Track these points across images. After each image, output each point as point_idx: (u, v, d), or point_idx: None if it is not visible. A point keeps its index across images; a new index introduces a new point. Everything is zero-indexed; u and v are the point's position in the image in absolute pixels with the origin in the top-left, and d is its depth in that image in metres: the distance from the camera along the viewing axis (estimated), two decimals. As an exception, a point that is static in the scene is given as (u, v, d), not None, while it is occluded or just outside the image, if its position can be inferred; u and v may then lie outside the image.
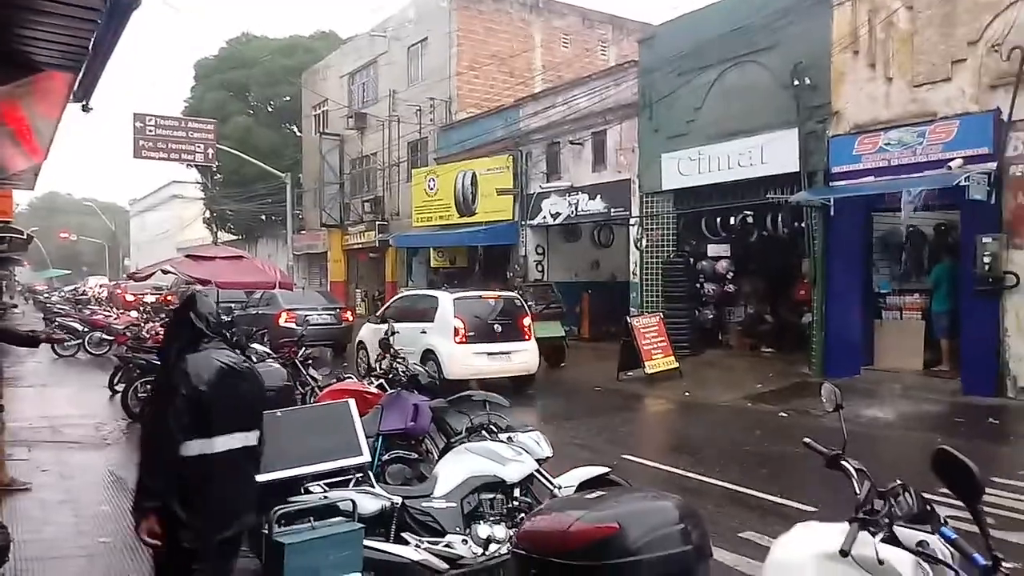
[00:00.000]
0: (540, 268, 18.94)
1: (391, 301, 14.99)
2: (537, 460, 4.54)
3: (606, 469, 4.55)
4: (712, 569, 4.52)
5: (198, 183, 40.26)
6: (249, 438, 3.24)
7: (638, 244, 15.72)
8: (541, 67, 23.29)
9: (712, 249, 15.02)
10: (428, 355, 11.39)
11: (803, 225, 12.64)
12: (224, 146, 26.62)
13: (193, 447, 3.05)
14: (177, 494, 3.04)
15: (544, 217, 18.43)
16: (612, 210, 16.55)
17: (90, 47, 4.99)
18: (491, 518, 4.19)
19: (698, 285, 14.97)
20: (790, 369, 12.48)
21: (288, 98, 35.24)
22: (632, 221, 15.99)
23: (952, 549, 2.13)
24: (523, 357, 12.06)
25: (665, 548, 2.31)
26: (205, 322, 3.28)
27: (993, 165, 9.89)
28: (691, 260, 15.02)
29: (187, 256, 13.75)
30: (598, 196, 16.85)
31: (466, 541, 4.01)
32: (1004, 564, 2.04)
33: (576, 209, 17.47)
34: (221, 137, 27.05)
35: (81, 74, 5.45)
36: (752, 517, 5.70)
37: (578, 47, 23.85)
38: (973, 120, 10.22)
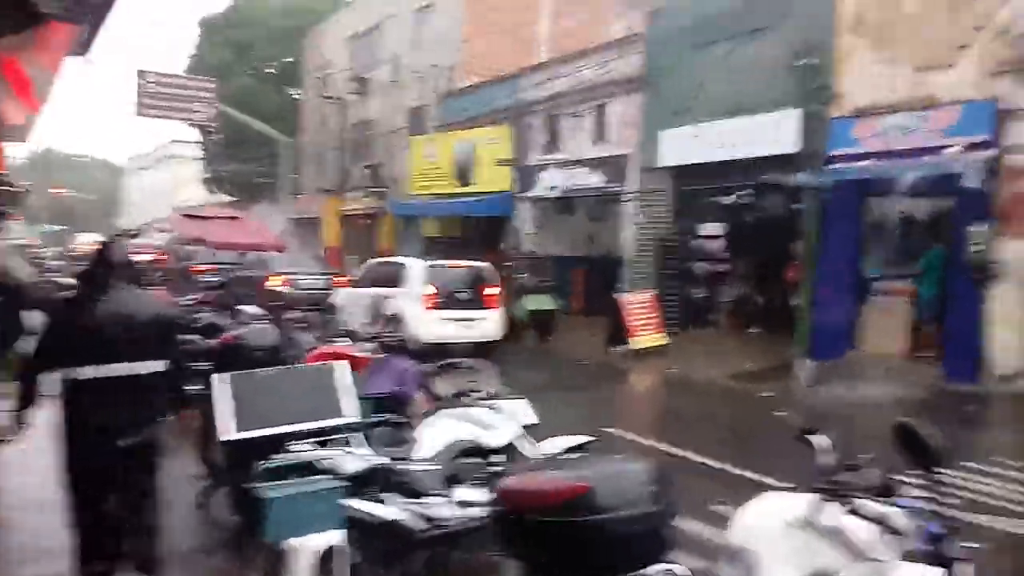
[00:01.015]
0: (535, 241, 18.94)
1: (365, 267, 15.15)
2: (521, 427, 4.62)
3: (589, 438, 4.62)
4: (683, 539, 4.64)
5: (198, 143, 39.98)
6: (135, 368, 3.66)
7: (635, 220, 15.73)
8: (548, 36, 23.04)
9: (706, 228, 15.06)
10: (397, 319, 11.69)
11: (797, 207, 12.67)
12: (226, 106, 26.42)
13: (69, 373, 3.56)
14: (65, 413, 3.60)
15: (541, 189, 18.40)
16: (609, 185, 16.51)
17: (92, -3, 4.95)
18: (472, 482, 4.27)
19: (691, 263, 15.02)
20: (777, 349, 12.56)
21: (291, 59, 34.88)
22: (629, 197, 15.98)
23: (910, 520, 2.21)
24: (488, 325, 12.76)
25: (635, 507, 2.40)
26: (109, 268, 3.72)
27: (991, 153, 9.90)
28: (685, 238, 15.05)
29: (183, 215, 13.75)
30: (597, 170, 16.81)
31: (446, 503, 4.09)
32: (958, 534, 2.12)
33: (574, 182, 17.44)
34: (223, 97, 26.83)
35: (83, 25, 5.42)
36: (727, 491, 5.81)
37: (586, 17, 23.56)
38: (974, 107, 10.21)
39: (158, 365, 3.75)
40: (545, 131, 18.47)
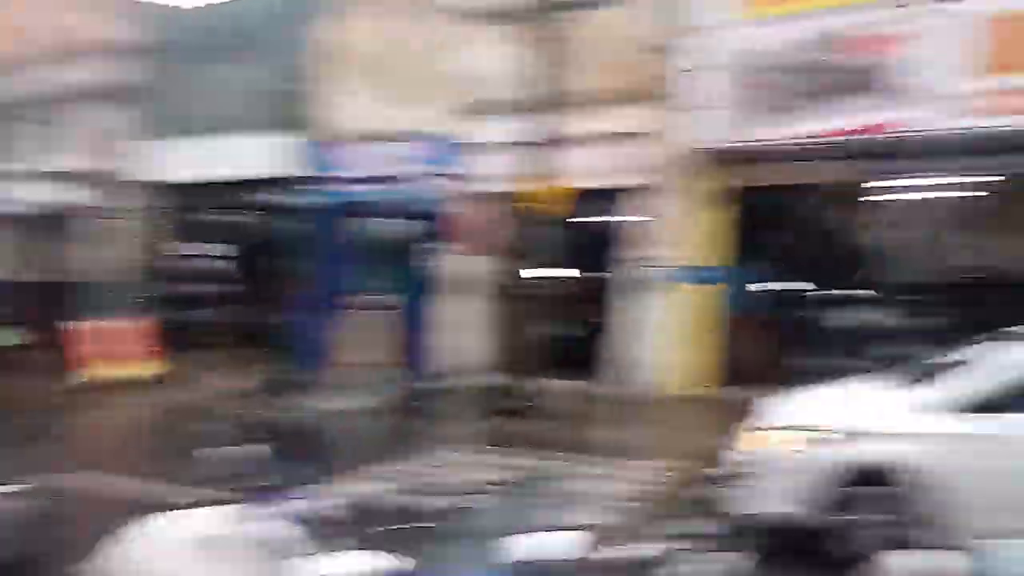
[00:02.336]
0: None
1: None
2: None
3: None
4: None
5: None
6: None
7: (118, 238, 14.33)
8: (22, 30, 19.47)
9: (206, 248, 14.62)
10: None
11: (290, 227, 12.98)
12: None
13: None
14: None
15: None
16: (89, 201, 14.80)
17: None
18: None
19: (189, 284, 14.39)
20: (272, 367, 12.54)
21: None
22: (116, 214, 14.54)
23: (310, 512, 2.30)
24: None
25: None
26: None
27: (448, 182, 11.38)
28: (183, 258, 14.45)
29: None
30: (71, 184, 14.92)
31: None
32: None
33: (34, 197, 15.19)
34: None
35: None
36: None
37: (73, 17, 20.55)
38: (438, 142, 11.61)
39: None
40: (9, 139, 15.70)
